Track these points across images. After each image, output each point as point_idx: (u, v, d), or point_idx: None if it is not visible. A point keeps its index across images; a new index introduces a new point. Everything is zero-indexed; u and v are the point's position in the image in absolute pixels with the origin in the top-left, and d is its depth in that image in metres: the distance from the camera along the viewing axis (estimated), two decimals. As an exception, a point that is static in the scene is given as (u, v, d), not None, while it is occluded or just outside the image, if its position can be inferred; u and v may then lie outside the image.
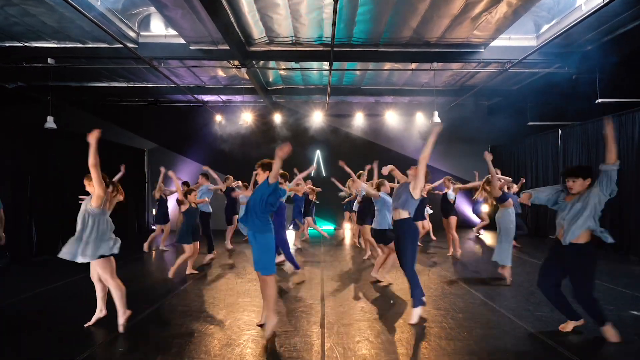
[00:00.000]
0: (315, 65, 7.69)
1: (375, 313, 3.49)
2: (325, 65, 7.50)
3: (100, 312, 3.22)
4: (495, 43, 6.92)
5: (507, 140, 10.36)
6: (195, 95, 9.99)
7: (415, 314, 3.20)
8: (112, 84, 9.43)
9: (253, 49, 6.86)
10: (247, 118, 10.47)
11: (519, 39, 6.99)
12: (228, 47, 6.65)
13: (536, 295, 3.72)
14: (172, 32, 6.83)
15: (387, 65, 7.80)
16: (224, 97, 10.58)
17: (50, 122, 6.92)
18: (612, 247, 6.30)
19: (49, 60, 6.76)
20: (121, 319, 3.01)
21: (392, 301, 3.87)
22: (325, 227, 10.59)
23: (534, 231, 8.68)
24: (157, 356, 2.58)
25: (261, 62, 7.64)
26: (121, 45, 6.58)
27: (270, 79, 8.99)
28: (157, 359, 2.53)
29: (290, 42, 6.67)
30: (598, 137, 6.76)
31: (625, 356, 2.57)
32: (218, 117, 10.64)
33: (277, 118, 10.59)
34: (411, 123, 10.97)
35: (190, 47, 6.84)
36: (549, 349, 2.67)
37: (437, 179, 10.91)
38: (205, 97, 10.59)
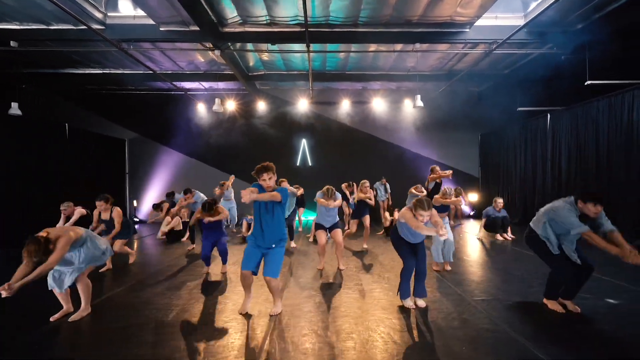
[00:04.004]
0: (294, 47, 7.34)
1: (329, 306, 3.26)
2: (305, 47, 7.19)
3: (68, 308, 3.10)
4: (481, 22, 6.61)
5: (496, 127, 10.09)
6: (176, 83, 9.65)
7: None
8: (88, 71, 9.08)
9: (226, 30, 6.53)
10: (230, 106, 10.18)
11: (506, 18, 6.67)
12: (199, 28, 6.36)
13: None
14: (141, 12, 6.48)
15: (371, 47, 7.46)
16: (206, 85, 10.24)
17: (14, 109, 6.61)
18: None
19: (12, 44, 6.42)
20: (79, 315, 2.98)
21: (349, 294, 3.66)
22: (311, 217, 10.35)
23: (524, 219, 8.45)
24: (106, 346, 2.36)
25: (238, 45, 7.31)
26: (86, 27, 6.29)
27: (251, 64, 8.65)
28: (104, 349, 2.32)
29: (264, 22, 6.34)
30: (587, 120, 6.50)
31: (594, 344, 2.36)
32: (200, 106, 10.34)
33: (261, 106, 10.28)
34: (399, 110, 10.67)
35: (161, 29, 6.51)
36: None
37: (425, 167, 10.70)
38: (187, 85, 10.25)
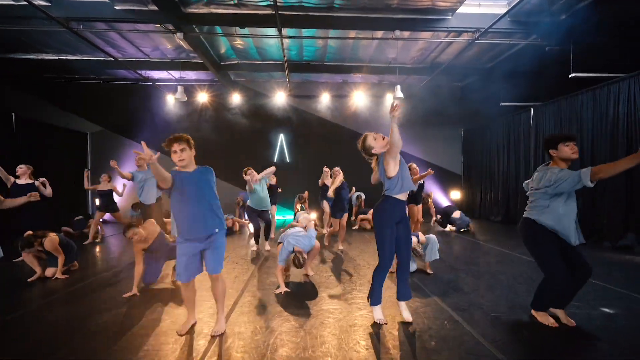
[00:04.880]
0: (267, 33, 6.79)
1: (284, 325, 2.78)
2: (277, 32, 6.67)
3: None
4: (464, 10, 6.27)
5: (479, 123, 9.84)
6: (141, 72, 8.94)
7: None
8: (42, 56, 8.27)
9: (190, 10, 5.95)
10: (202, 98, 9.53)
11: (489, 6, 6.35)
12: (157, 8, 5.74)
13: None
14: (93, -12, 5.84)
15: (349, 35, 6.99)
16: (176, 75, 9.56)
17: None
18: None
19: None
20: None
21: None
22: (288, 216, 9.84)
23: (506, 218, 8.19)
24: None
25: (205, 29, 6.72)
26: (26, 3, 5.58)
27: (222, 51, 8.05)
28: None
29: (232, 2, 5.79)
30: (571, 113, 6.25)
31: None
32: (170, 97, 9.63)
33: (236, 98, 9.68)
34: (381, 105, 10.28)
35: (115, 7, 5.87)
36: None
37: (409, 163, 10.37)
38: (155, 75, 9.55)
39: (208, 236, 2.42)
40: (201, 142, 9.78)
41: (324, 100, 9.98)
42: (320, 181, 6.45)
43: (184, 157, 2.33)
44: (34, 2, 5.18)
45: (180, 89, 7.74)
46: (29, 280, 3.82)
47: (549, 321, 2.52)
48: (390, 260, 2.58)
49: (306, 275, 3.97)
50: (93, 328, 2.61)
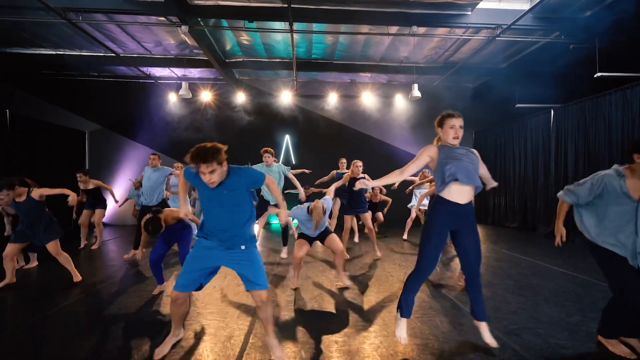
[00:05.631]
0: (274, 27, 6.46)
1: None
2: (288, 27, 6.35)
3: None
4: (484, 5, 5.96)
5: (491, 125, 9.52)
6: (143, 69, 8.59)
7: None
8: (39, 51, 7.93)
9: (196, 2, 5.60)
10: (205, 97, 9.19)
11: (510, 2, 6.04)
12: (163, -1, 5.41)
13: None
14: (93, -23, 5.50)
15: (362, 29, 6.65)
16: (179, 73, 9.22)
17: None
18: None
19: None
20: None
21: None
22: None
23: (523, 224, 7.84)
24: None
25: (211, 22, 6.38)
26: (22, -10, 5.24)
27: (227, 48, 7.71)
28: None
29: (240, -6, 5.46)
30: (597, 116, 5.93)
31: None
32: (172, 96, 9.29)
33: (240, 97, 9.33)
34: (390, 105, 9.96)
35: (117, -2, 5.53)
36: None
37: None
38: (157, 72, 9.21)
39: (230, 248, 2.08)
40: (203, 141, 9.52)
41: (332, 100, 9.65)
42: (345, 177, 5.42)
43: (214, 179, 1.92)
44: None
45: (185, 85, 7.40)
46: None
47: (622, 350, 2.14)
48: (432, 267, 2.21)
49: (342, 287, 3.62)
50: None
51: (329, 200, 3.62)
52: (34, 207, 3.62)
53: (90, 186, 6.01)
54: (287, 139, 9.95)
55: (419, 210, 6.49)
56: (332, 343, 2.37)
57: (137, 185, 5.99)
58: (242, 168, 2.09)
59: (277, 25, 6.44)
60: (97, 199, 6.11)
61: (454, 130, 2.24)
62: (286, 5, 5.36)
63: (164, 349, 2.20)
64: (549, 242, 6.36)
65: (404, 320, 2.28)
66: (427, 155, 2.25)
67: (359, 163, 5.01)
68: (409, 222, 6.88)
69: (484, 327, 2.25)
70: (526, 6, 6.04)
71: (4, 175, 4.66)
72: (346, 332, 2.54)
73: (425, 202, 6.40)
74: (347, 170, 5.62)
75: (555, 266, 4.51)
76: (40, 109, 9.14)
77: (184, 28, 5.79)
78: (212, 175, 1.89)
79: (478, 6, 5.89)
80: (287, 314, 2.91)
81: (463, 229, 2.20)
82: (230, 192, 2.00)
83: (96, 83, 9.41)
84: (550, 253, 5.31)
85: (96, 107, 9.55)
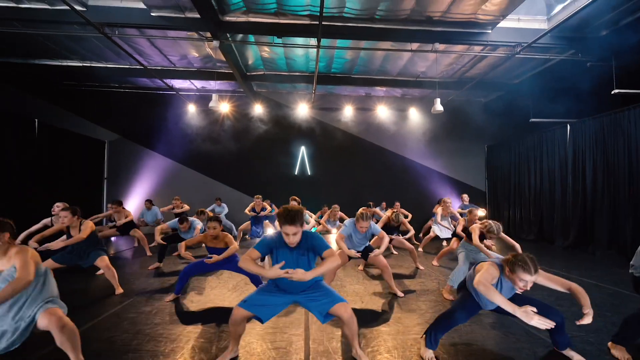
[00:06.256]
0: (300, 41, 6.67)
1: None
2: (313, 42, 6.58)
3: None
4: (503, 24, 6.19)
5: (504, 138, 9.69)
6: (165, 80, 8.80)
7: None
8: (65, 62, 8.13)
9: (228, 18, 5.83)
10: (224, 108, 9.36)
11: (529, 21, 6.28)
12: (197, 15, 5.63)
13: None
14: (129, -6, 5.73)
15: (384, 46, 6.86)
16: (198, 85, 9.43)
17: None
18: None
19: (-28, 23, 5.49)
20: None
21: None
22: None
23: (540, 236, 7.91)
24: None
25: (239, 37, 6.59)
26: (65, 8, 5.46)
27: (250, 62, 7.93)
28: None
29: (272, 11, 5.68)
30: (616, 131, 6.08)
31: None
32: (191, 107, 9.49)
33: (258, 109, 9.52)
34: (405, 119, 10.16)
35: (152, 14, 5.75)
36: None
37: (432, 178, 10.16)
38: (177, 84, 9.42)
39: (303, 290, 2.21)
40: (221, 152, 9.72)
41: (347, 112, 9.85)
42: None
43: (296, 240, 2.10)
44: (73, 7, 5.05)
45: (215, 97, 7.57)
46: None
47: (624, 356, 2.33)
48: (463, 319, 2.27)
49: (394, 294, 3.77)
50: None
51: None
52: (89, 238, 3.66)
53: (123, 219, 5.83)
54: (302, 150, 10.10)
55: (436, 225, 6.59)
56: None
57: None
58: (313, 233, 2.23)
59: (299, 40, 6.66)
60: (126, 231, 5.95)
61: (523, 284, 2.05)
62: (317, 23, 5.60)
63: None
64: (569, 254, 6.43)
65: (430, 351, 2.33)
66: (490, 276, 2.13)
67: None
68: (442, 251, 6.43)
69: (570, 353, 2.36)
70: (544, 25, 6.28)
71: (30, 182, 4.77)
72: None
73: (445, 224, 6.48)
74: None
75: (583, 277, 4.57)
76: (61, 117, 9.32)
77: (215, 43, 5.99)
78: (295, 236, 2.06)
79: (498, 25, 6.12)
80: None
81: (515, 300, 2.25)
82: (303, 257, 2.17)
83: (117, 94, 9.61)
84: (572, 265, 5.38)
85: (116, 117, 9.74)
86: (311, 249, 2.17)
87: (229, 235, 3.49)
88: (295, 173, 9.99)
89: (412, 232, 5.23)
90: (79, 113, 9.61)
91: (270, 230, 7.10)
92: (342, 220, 7.03)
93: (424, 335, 2.38)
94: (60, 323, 1.93)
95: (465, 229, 4.39)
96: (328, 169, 10.03)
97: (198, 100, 9.73)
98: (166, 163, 9.84)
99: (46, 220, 4.64)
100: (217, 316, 3.11)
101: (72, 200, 4.92)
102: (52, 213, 4.69)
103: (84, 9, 5.65)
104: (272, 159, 9.98)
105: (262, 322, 2.17)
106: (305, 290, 2.20)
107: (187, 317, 3.08)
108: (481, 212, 5.52)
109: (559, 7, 5.97)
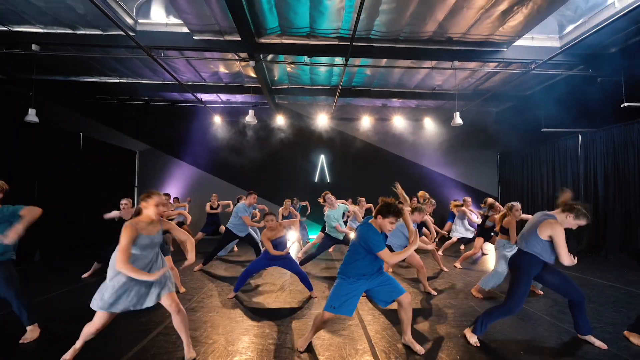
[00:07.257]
0: (326, 60, 7.18)
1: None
2: (338, 61, 7.08)
3: None
4: (517, 43, 6.63)
5: (516, 147, 10.08)
6: (196, 94, 9.35)
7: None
8: (103, 79, 8.72)
9: (263, 40, 6.34)
10: (249, 119, 9.89)
11: (542, 39, 6.72)
12: (235, 38, 6.17)
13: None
14: (173, 20, 6.28)
15: (404, 64, 7.33)
16: (223, 97, 9.98)
17: (31, 115, 6.16)
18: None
19: (33, 47, 6.06)
20: None
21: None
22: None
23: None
24: None
25: (270, 57, 7.12)
26: (116, 33, 6.04)
27: (276, 77, 8.46)
28: None
29: (304, 33, 6.18)
30: (626, 141, 6.47)
31: None
32: (217, 118, 10.03)
33: (280, 120, 10.03)
34: (420, 128, 10.61)
35: (194, 37, 6.28)
36: None
37: (446, 185, 10.56)
38: (204, 97, 9.97)
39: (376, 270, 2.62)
40: (245, 162, 10.22)
41: (364, 123, 10.32)
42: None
43: (392, 228, 2.53)
44: (127, 33, 5.60)
45: (251, 112, 8.16)
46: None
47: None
48: (518, 309, 2.69)
49: (428, 293, 4.22)
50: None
51: None
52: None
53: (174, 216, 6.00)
54: (322, 159, 10.57)
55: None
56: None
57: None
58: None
59: (324, 59, 7.17)
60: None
61: (576, 225, 2.71)
62: (344, 44, 6.10)
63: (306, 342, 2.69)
64: (583, 257, 6.78)
65: (475, 335, 2.77)
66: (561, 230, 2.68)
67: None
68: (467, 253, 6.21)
69: (591, 339, 2.76)
70: (556, 43, 6.72)
71: (76, 190, 5.20)
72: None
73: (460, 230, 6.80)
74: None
75: (599, 279, 4.95)
76: (94, 129, 9.90)
77: (252, 63, 6.51)
78: (394, 224, 2.48)
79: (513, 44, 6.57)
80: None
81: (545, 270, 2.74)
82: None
83: (147, 107, 10.18)
84: (586, 268, 5.75)
85: (146, 128, 10.30)
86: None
87: (283, 222, 4.00)
88: (315, 180, 10.45)
89: (433, 234, 5.45)
90: (110, 125, 10.19)
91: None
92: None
93: (473, 325, 2.80)
94: (177, 307, 2.40)
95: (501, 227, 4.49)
96: (347, 176, 10.48)
97: (223, 112, 10.27)
98: (192, 171, 10.36)
99: (116, 213, 5.06)
100: (283, 314, 3.55)
101: (108, 207, 5.36)
102: (121, 207, 5.08)
103: (133, 34, 6.20)
104: (293, 167, 10.46)
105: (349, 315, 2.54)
106: (377, 276, 2.59)
107: (257, 313, 3.53)
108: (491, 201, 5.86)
109: (570, 27, 6.41)
